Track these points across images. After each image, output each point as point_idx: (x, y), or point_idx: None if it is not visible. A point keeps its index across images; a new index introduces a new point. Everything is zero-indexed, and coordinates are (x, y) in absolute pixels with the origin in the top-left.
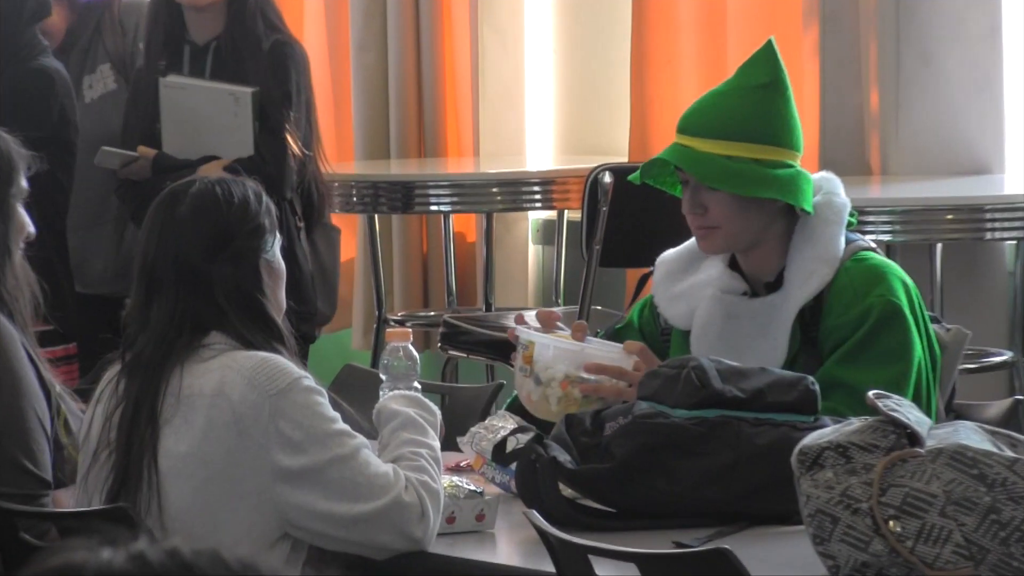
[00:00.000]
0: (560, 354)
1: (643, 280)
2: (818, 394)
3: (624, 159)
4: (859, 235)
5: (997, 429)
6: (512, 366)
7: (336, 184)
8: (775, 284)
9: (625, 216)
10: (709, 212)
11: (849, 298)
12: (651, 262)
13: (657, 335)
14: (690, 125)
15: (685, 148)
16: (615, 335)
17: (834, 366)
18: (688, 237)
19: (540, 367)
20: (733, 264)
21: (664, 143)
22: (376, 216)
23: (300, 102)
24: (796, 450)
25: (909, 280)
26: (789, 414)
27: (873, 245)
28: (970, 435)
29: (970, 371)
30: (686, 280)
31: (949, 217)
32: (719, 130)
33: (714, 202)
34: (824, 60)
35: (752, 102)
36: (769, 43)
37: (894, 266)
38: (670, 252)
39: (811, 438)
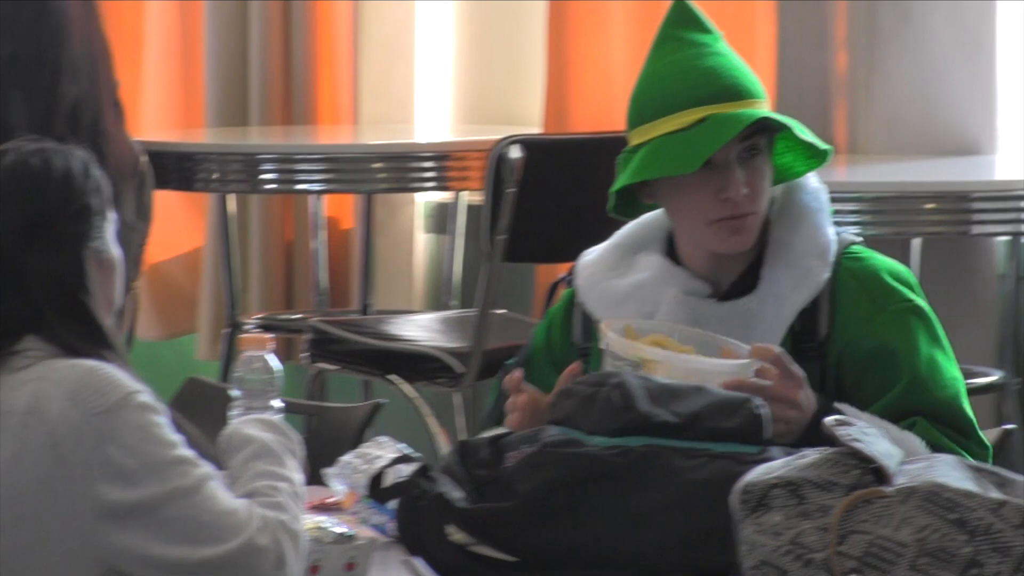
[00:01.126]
0: (700, 375)
1: (553, 289)
2: (765, 418)
3: (537, 129)
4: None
5: (981, 464)
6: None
7: (192, 158)
8: (742, 283)
9: (537, 201)
10: (753, 193)
11: (866, 309)
12: (569, 257)
13: (574, 356)
14: (725, 91)
15: (744, 112)
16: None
17: (903, 399)
18: (614, 228)
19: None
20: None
21: (587, 109)
22: (228, 197)
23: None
24: (738, 487)
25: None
26: (731, 443)
27: (860, 239)
28: (948, 471)
29: None
30: (624, 280)
31: (929, 206)
32: (755, 91)
33: (761, 179)
34: (782, 12)
35: (737, 57)
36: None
37: (896, 262)
38: (591, 253)
39: (756, 473)
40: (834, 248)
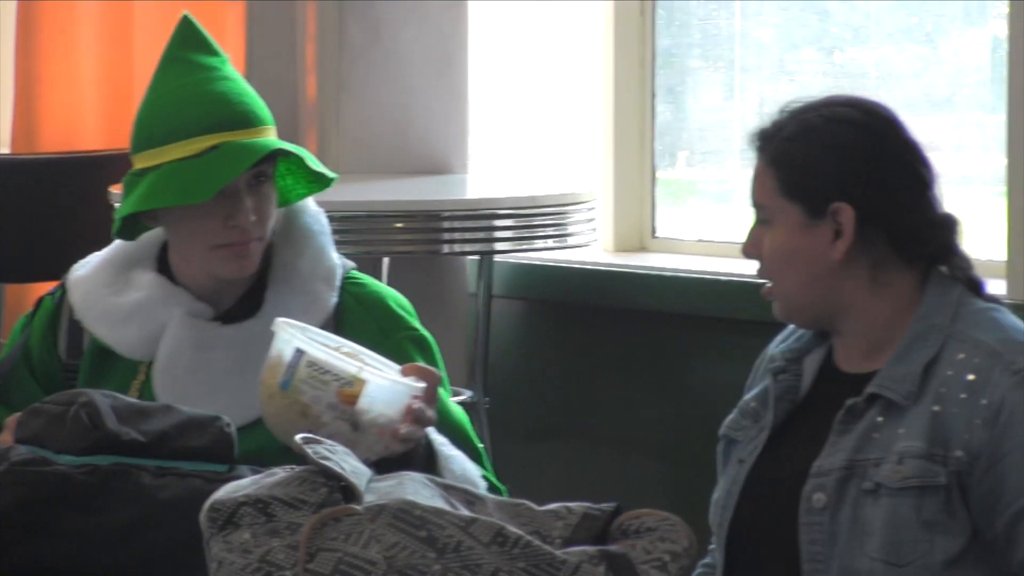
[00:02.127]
0: (394, 396)
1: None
2: (235, 437)
3: (4, 149)
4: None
5: (451, 483)
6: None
7: None
8: (245, 305)
9: (4, 221)
10: (260, 219)
11: (373, 336)
12: (38, 277)
13: (58, 373)
14: (237, 118)
15: (258, 142)
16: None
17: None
18: (82, 249)
19: (363, 410)
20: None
21: (57, 128)
22: None
23: None
24: (206, 505)
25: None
26: (201, 462)
27: (355, 264)
28: (419, 489)
29: None
30: (123, 297)
31: (399, 225)
32: (265, 117)
33: (269, 204)
34: (251, 31)
35: (244, 81)
36: (187, 19)
37: (392, 290)
38: (81, 268)
39: (225, 491)
40: (339, 272)
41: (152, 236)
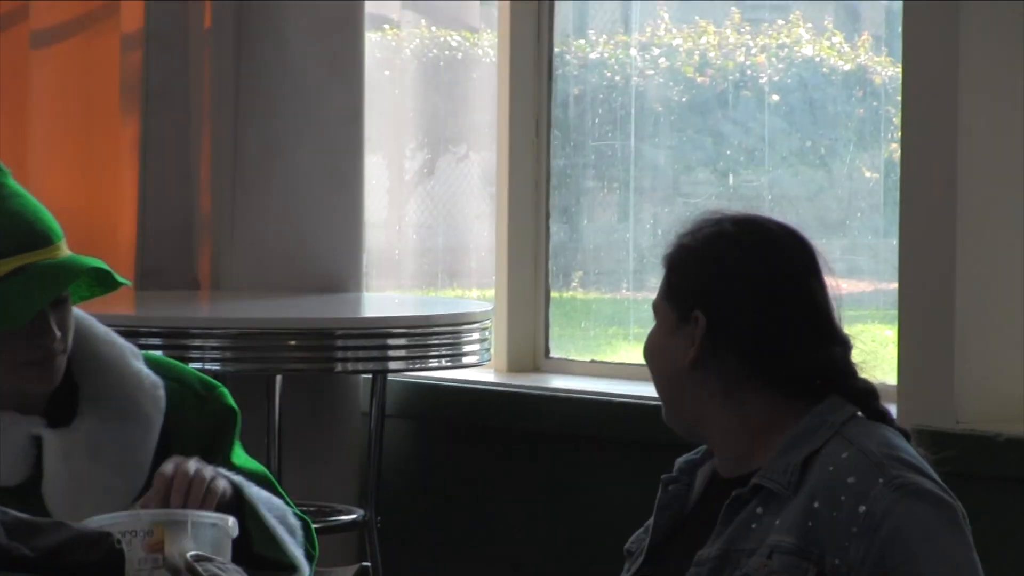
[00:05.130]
0: (194, 529)
1: None
2: (125, 553)
3: None
4: None
5: None
6: None
7: None
8: (59, 412)
9: None
10: (64, 335)
11: (192, 403)
12: None
13: None
14: (38, 238)
15: (66, 261)
16: None
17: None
18: None
19: (175, 550)
20: None
21: None
22: None
23: None
24: None
25: None
26: None
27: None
28: None
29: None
30: None
31: (292, 343)
32: (59, 231)
33: (69, 317)
34: (146, 147)
35: (30, 195)
36: None
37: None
38: None
39: None
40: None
41: None
